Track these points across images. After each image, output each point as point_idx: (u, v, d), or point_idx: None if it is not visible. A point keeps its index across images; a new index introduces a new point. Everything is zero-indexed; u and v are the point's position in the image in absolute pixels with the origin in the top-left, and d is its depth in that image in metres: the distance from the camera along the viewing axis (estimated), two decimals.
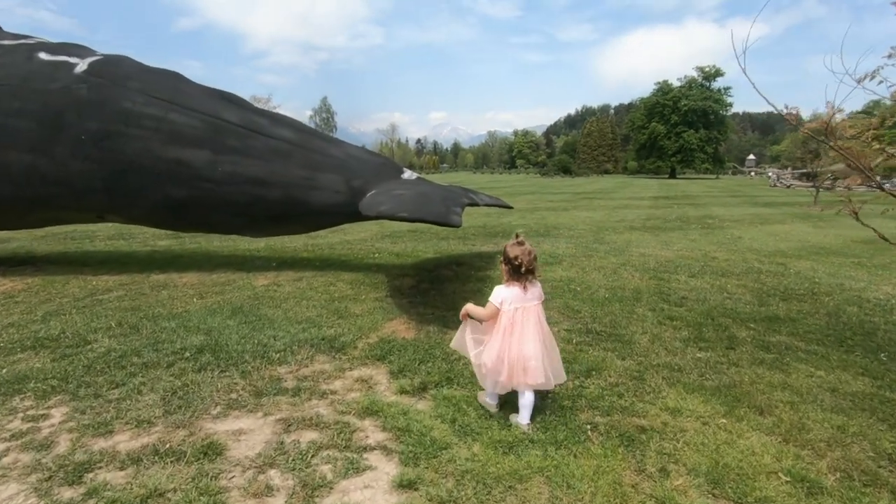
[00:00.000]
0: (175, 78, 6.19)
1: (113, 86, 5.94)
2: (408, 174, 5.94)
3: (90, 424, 2.75)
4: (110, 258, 8.08)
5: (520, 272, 2.78)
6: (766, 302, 5.50)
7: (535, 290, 2.89)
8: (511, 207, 8.20)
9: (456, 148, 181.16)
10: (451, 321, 4.61)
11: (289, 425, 2.78)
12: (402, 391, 3.22)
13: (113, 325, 4.56)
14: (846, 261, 8.57)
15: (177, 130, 5.86)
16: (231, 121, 5.94)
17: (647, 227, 12.93)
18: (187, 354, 3.76)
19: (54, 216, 6.68)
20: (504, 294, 2.83)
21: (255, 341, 4.05)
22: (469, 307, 2.98)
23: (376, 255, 8.21)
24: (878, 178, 4.15)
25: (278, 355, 3.78)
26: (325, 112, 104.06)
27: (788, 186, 44.78)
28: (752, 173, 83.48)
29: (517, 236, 2.89)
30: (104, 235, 10.88)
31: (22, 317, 4.91)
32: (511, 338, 2.81)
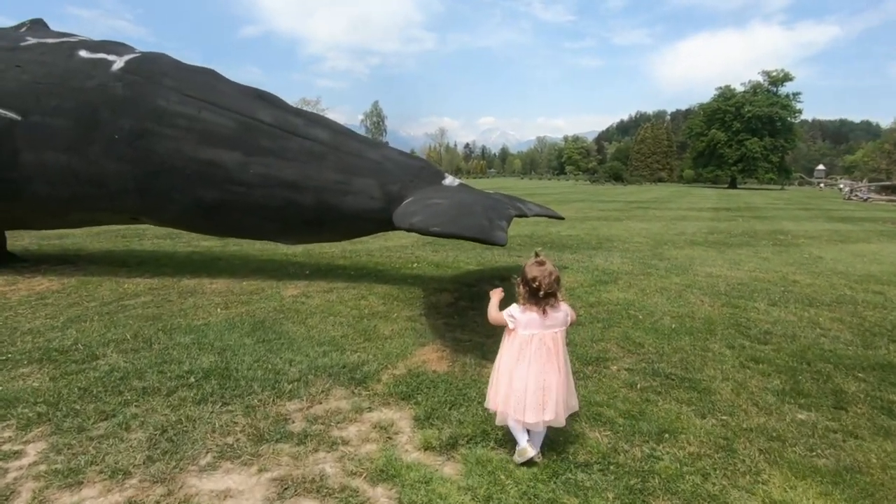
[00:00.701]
0: (210, 75, 5.93)
1: (148, 83, 5.73)
2: (449, 180, 5.41)
3: (61, 471, 2.35)
4: (150, 259, 7.98)
5: (538, 296, 2.48)
6: (871, 343, 4.57)
7: (558, 315, 2.58)
8: (562, 218, 7.52)
9: (504, 153, 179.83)
10: (490, 351, 4.01)
11: (285, 488, 2.27)
12: (428, 446, 2.65)
13: (128, 336, 4.25)
14: None
15: (209, 130, 5.58)
16: (265, 121, 5.61)
17: (710, 242, 11.83)
18: (192, 379, 3.36)
19: (90, 217, 6.58)
20: (518, 317, 2.57)
21: (269, 366, 3.61)
22: (494, 300, 2.80)
23: (415, 264, 7.72)
24: None
25: (291, 386, 3.31)
26: (376, 116, 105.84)
27: (866, 200, 41.17)
28: (822, 185, 77.84)
29: (537, 255, 2.59)
30: (153, 234, 10.96)
31: (45, 322, 4.71)
32: (518, 365, 2.55)
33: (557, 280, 2.51)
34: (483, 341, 4.27)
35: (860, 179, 62.13)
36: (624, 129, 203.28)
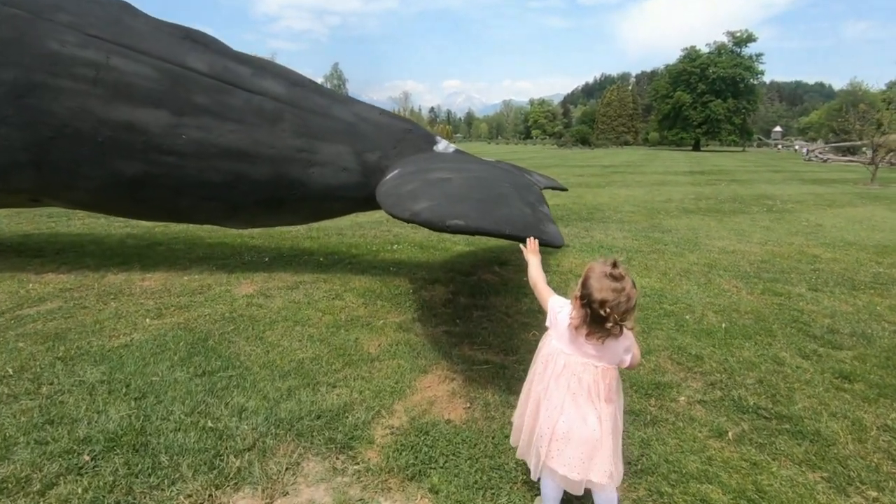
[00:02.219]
0: (120, 8, 4.48)
1: (35, 20, 4.26)
2: (442, 145, 4.27)
3: None
4: (73, 246, 6.53)
5: (603, 325, 1.71)
6: None
7: (613, 350, 1.80)
8: (566, 189, 6.51)
9: (470, 117, 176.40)
10: (516, 378, 3.02)
11: None
12: None
13: (9, 371, 3.03)
14: None
15: (123, 82, 4.20)
16: (198, 69, 4.27)
17: (703, 210, 11.16)
18: (85, 458, 2.22)
19: None
20: (559, 317, 1.90)
21: (208, 424, 2.49)
22: (534, 261, 2.35)
23: (395, 245, 6.59)
24: None
25: (239, 462, 2.22)
26: (337, 79, 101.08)
27: (825, 161, 42.03)
28: (779, 146, 79.73)
29: (614, 264, 1.73)
30: (86, 213, 9.34)
31: None
32: (538, 388, 1.94)
33: (634, 304, 1.71)
34: (503, 361, 3.26)
35: (814, 140, 63.79)
36: (589, 91, 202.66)
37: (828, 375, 3.18)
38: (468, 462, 2.23)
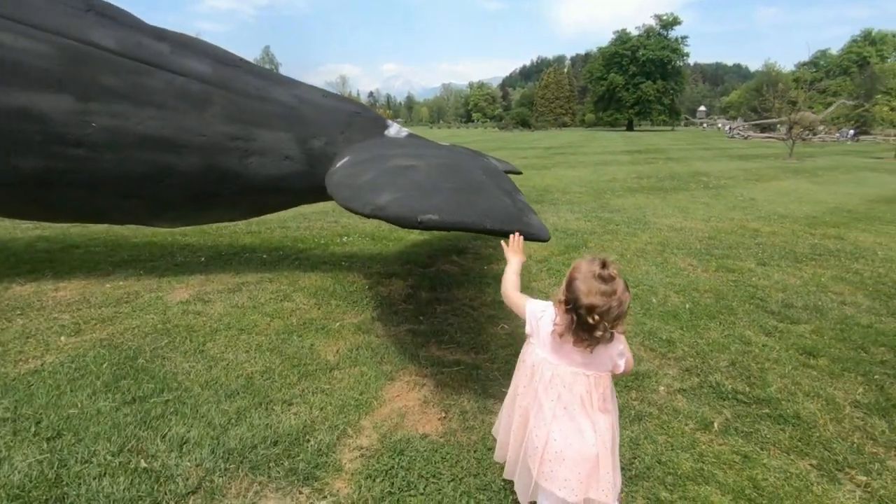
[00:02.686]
0: None
1: None
2: (395, 129, 3.95)
3: None
4: None
5: (592, 332, 1.52)
6: (894, 309, 4.01)
7: (604, 356, 1.61)
8: (521, 173, 6.35)
9: (410, 101, 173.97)
10: (492, 379, 2.82)
11: None
12: None
13: None
14: None
15: (15, 61, 3.57)
16: (106, 46, 3.69)
17: (646, 189, 11.45)
18: None
19: None
20: (541, 324, 1.70)
21: (141, 466, 2.11)
22: (513, 264, 1.99)
23: (345, 238, 6.21)
24: None
25: None
26: (268, 63, 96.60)
27: (746, 138, 44.81)
28: (704, 125, 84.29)
29: (604, 264, 1.52)
30: None
31: None
32: (525, 401, 1.75)
33: (627, 308, 1.52)
34: (474, 360, 3.04)
35: (735, 119, 67.95)
36: (527, 74, 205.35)
37: (793, 352, 3.21)
38: (451, 484, 2.00)
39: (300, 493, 1.98)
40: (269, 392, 2.68)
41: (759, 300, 4.13)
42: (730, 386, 2.76)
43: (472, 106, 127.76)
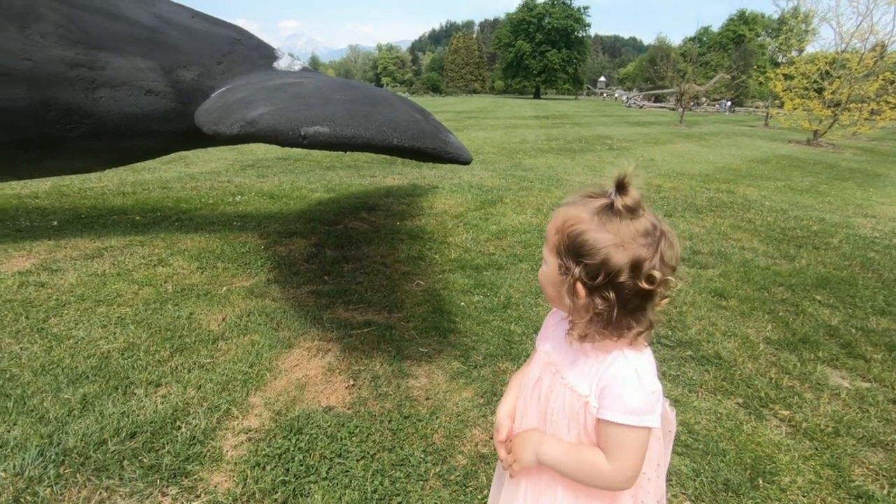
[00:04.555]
0: None
1: None
2: (286, 61, 3.36)
3: None
4: None
5: (645, 309, 0.86)
6: (787, 253, 4.25)
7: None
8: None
9: (314, 63, 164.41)
10: (407, 336, 2.49)
11: None
12: None
13: None
14: (777, 184, 8.03)
15: None
16: None
17: (556, 150, 11.61)
18: None
19: None
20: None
21: None
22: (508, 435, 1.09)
23: (238, 197, 5.49)
24: None
25: None
26: None
27: (641, 107, 47.81)
28: (604, 94, 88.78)
29: (621, 186, 0.84)
30: None
31: None
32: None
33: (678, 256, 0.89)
34: (387, 320, 2.69)
35: (631, 90, 72.38)
36: (436, 38, 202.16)
37: (706, 295, 3.23)
38: (361, 463, 1.66)
39: (163, 494, 1.54)
40: (129, 373, 2.15)
41: None
42: (653, 331, 2.68)
43: (382, 69, 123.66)
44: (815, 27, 19.97)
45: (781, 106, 20.25)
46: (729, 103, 45.18)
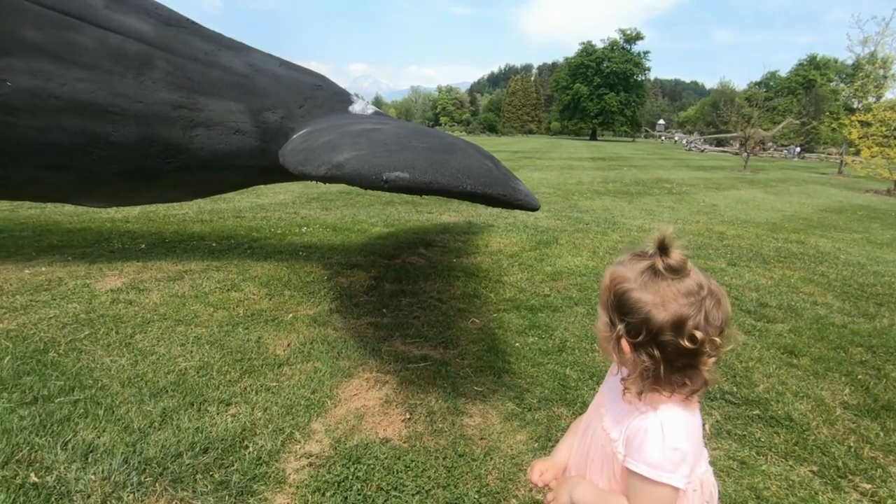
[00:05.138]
0: None
1: None
2: (360, 105, 3.62)
3: None
4: None
5: (695, 367, 0.88)
6: (865, 311, 3.97)
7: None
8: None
9: (378, 102, 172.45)
10: (462, 373, 2.53)
11: None
12: None
13: None
14: (854, 236, 7.55)
15: None
16: None
17: (612, 192, 11.49)
18: None
19: None
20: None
21: (30, 481, 1.71)
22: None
23: (304, 228, 5.81)
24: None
25: None
26: None
27: (702, 150, 46.59)
28: (663, 137, 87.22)
29: (662, 247, 0.89)
30: None
31: None
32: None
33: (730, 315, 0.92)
34: (442, 356, 2.75)
35: (691, 133, 70.79)
36: (494, 80, 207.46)
37: (774, 351, 3.07)
38: (417, 498, 1.69)
39: None
40: (203, 390, 2.30)
41: (734, 299, 4.02)
42: (717, 386, 2.57)
43: (441, 109, 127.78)
44: (895, 73, 18.97)
45: (857, 153, 19.20)
46: (798, 149, 43.19)
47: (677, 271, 0.87)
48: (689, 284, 0.86)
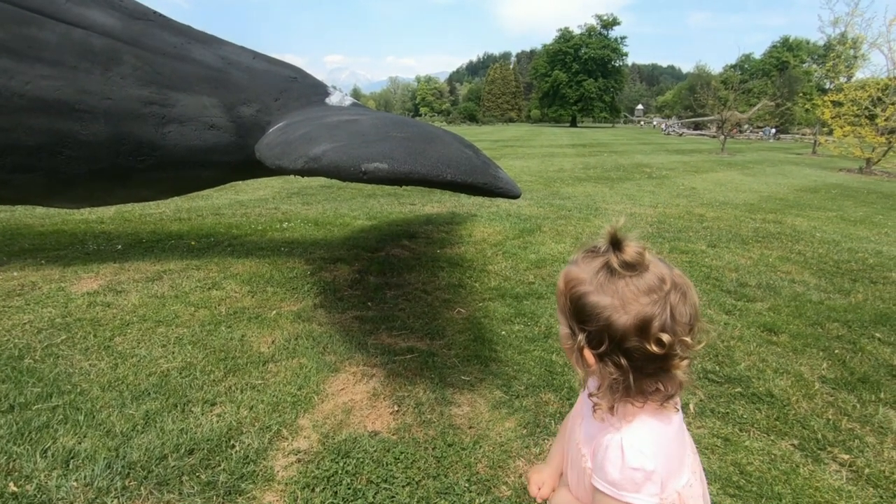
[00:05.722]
0: None
1: None
2: (337, 97, 3.56)
3: None
4: None
5: (667, 370, 0.79)
6: (841, 287, 4.07)
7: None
8: None
9: (356, 94, 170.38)
10: (449, 363, 2.53)
11: None
12: None
13: None
14: (828, 214, 7.73)
15: None
16: None
17: (594, 178, 11.57)
18: None
19: None
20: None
21: (9, 490, 1.66)
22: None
23: (285, 223, 5.73)
24: None
25: None
26: None
27: (680, 134, 47.14)
28: (642, 122, 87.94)
29: (615, 242, 0.79)
30: None
31: None
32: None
33: (698, 311, 0.81)
34: (429, 346, 2.74)
35: (669, 117, 71.51)
36: (473, 69, 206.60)
37: (755, 330, 3.13)
38: (407, 490, 1.69)
39: None
40: (187, 391, 2.27)
41: (714, 279, 4.08)
42: (699, 365, 2.62)
43: (420, 100, 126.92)
44: (865, 53, 19.35)
45: (830, 133, 19.59)
46: (773, 130, 43.93)
47: (634, 267, 0.77)
48: (650, 280, 0.77)
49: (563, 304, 0.84)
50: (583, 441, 0.94)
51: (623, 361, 0.78)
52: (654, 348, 0.75)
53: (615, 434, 0.82)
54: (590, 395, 0.90)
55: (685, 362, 0.78)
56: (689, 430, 1.95)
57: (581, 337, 0.81)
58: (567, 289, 0.82)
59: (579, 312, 0.81)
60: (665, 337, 0.74)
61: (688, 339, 0.77)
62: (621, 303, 0.76)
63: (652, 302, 0.75)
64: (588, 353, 0.81)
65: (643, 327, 0.75)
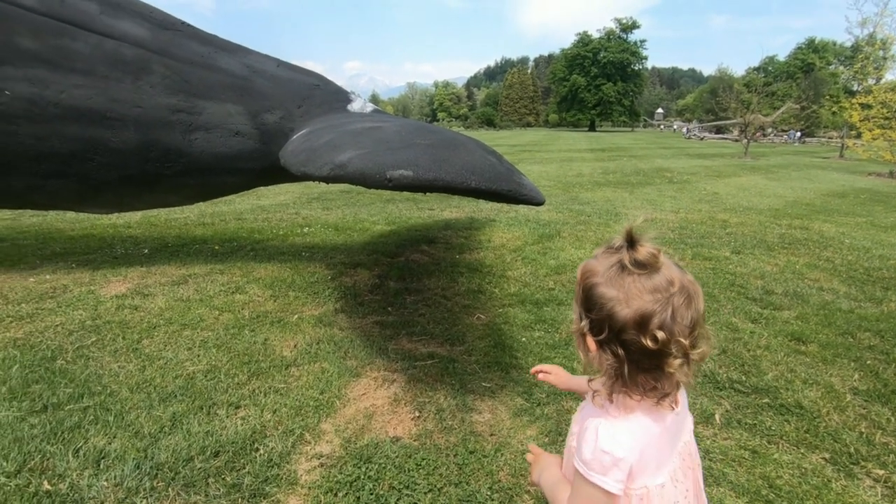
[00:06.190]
0: None
1: None
2: (359, 104, 3.60)
3: None
4: None
5: (661, 367, 0.83)
6: (872, 295, 3.96)
7: (685, 416, 0.99)
8: None
9: (374, 99, 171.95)
10: (469, 370, 2.53)
11: None
12: None
13: None
14: (857, 220, 7.52)
15: None
16: (21, 3, 3.20)
17: (613, 183, 11.46)
18: None
19: None
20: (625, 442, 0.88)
21: (43, 489, 1.71)
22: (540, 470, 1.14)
23: (306, 228, 5.80)
24: None
25: None
26: None
27: (702, 139, 46.41)
28: (662, 126, 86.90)
29: (630, 241, 0.84)
30: None
31: None
32: None
33: (702, 315, 0.85)
34: (449, 353, 2.75)
35: (690, 121, 70.50)
36: (491, 74, 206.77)
37: (782, 339, 3.06)
38: (429, 496, 1.69)
39: None
40: (212, 394, 2.31)
41: (739, 287, 4.00)
42: (725, 375, 2.57)
43: (438, 105, 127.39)
44: (895, 54, 18.84)
45: (858, 136, 19.09)
46: (798, 134, 43.00)
47: (644, 266, 0.81)
48: (658, 280, 0.81)
49: (577, 292, 0.91)
50: (576, 420, 1.02)
51: (620, 351, 0.84)
52: (649, 343, 0.79)
53: (599, 419, 0.88)
54: (589, 380, 0.98)
55: (678, 361, 0.81)
56: (715, 440, 1.92)
57: (585, 323, 0.88)
58: (582, 279, 0.89)
59: (587, 301, 0.87)
60: (661, 334, 0.79)
61: (685, 340, 0.80)
62: (626, 297, 0.82)
63: (655, 300, 0.80)
64: (590, 340, 0.88)
65: (642, 322, 0.80)
